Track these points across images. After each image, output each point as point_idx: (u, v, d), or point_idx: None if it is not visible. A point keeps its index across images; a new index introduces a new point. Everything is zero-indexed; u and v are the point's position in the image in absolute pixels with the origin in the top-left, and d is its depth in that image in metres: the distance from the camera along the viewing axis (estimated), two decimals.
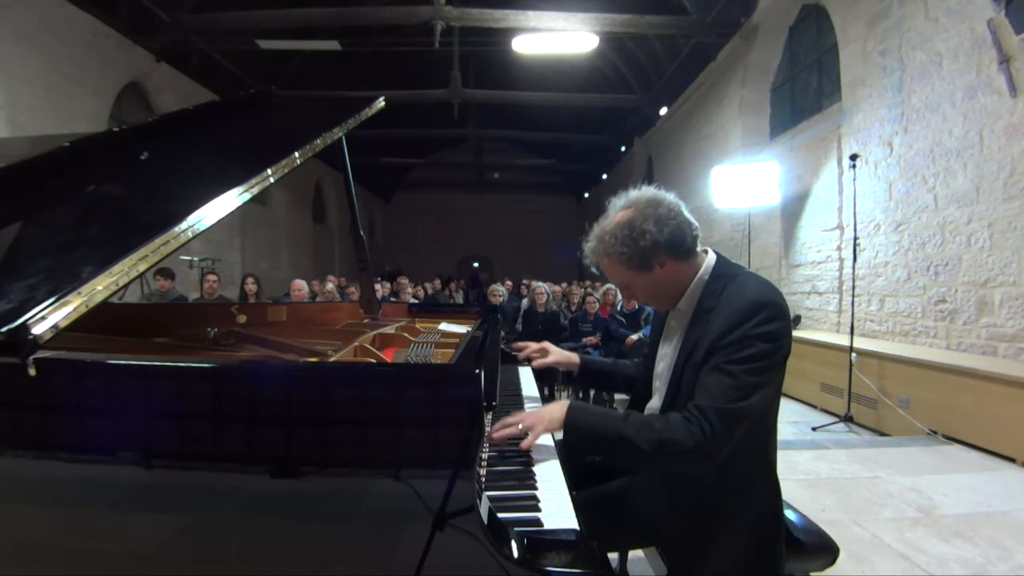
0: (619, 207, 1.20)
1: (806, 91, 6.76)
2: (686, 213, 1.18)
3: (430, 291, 9.07)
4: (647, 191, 1.20)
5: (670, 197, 1.18)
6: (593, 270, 1.28)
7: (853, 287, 4.68)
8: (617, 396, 4.84)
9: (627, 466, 1.29)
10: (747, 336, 1.06)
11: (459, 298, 10.39)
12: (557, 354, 1.57)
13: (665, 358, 1.28)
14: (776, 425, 1.20)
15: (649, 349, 1.42)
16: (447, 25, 7.70)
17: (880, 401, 4.05)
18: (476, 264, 20.23)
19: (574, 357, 1.56)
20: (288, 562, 0.79)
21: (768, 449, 1.18)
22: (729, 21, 7.36)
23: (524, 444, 1.16)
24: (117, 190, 1.24)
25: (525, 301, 6.03)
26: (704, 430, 1.02)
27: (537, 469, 1.14)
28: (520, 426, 1.17)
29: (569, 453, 1.26)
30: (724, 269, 1.20)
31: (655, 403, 1.30)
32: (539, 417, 1.16)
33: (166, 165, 1.36)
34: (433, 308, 2.74)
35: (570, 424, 1.14)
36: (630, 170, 13.11)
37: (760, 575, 1.13)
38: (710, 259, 1.22)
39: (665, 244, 1.14)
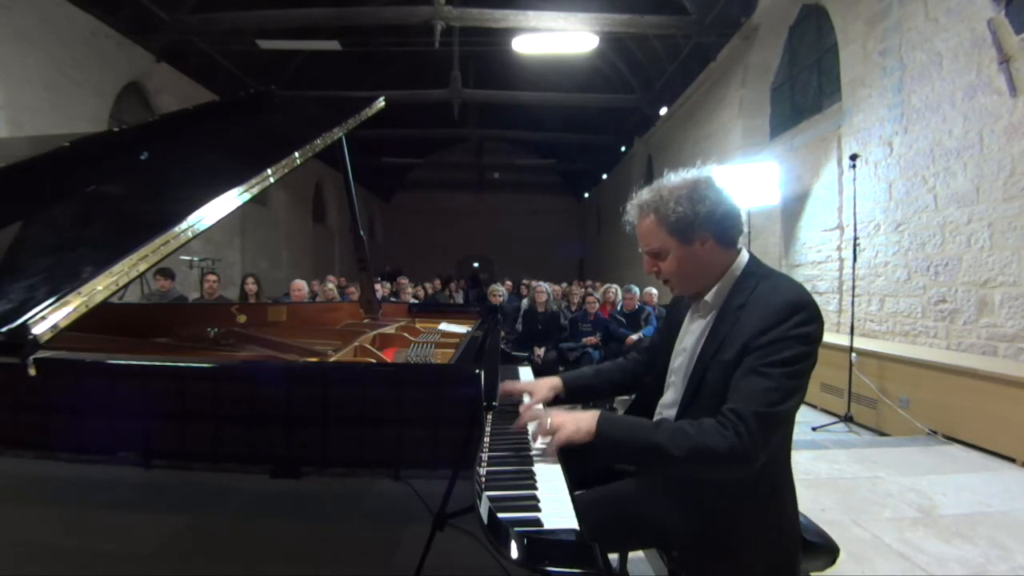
0: (679, 176, 1.18)
1: (806, 91, 6.76)
2: (739, 207, 1.19)
3: (430, 291, 9.07)
4: (708, 171, 1.20)
5: None
6: (627, 228, 1.25)
7: (853, 287, 4.68)
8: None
9: (660, 474, 1.23)
10: (785, 337, 1.03)
11: (459, 298, 10.37)
12: (539, 393, 1.43)
13: (684, 353, 1.24)
14: (793, 431, 1.19)
15: (659, 343, 1.39)
16: (447, 25, 7.70)
17: (880, 401, 4.05)
18: (476, 264, 20.23)
19: (555, 382, 1.46)
20: (288, 562, 0.79)
21: (789, 455, 1.17)
22: (729, 21, 7.36)
23: (548, 450, 1.15)
24: (117, 190, 1.24)
25: (525, 301, 6.03)
26: (740, 433, 0.98)
27: (537, 469, 1.14)
28: (549, 423, 1.15)
29: (600, 461, 1.24)
30: (756, 267, 1.19)
31: (669, 398, 1.27)
32: (568, 421, 1.13)
33: (166, 165, 1.36)
34: (433, 308, 2.73)
35: (601, 434, 1.10)
36: (630, 170, 13.11)
37: None
38: (743, 256, 1.21)
39: (718, 220, 1.14)
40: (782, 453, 1.15)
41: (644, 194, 1.20)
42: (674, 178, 1.19)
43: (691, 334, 1.24)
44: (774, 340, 1.03)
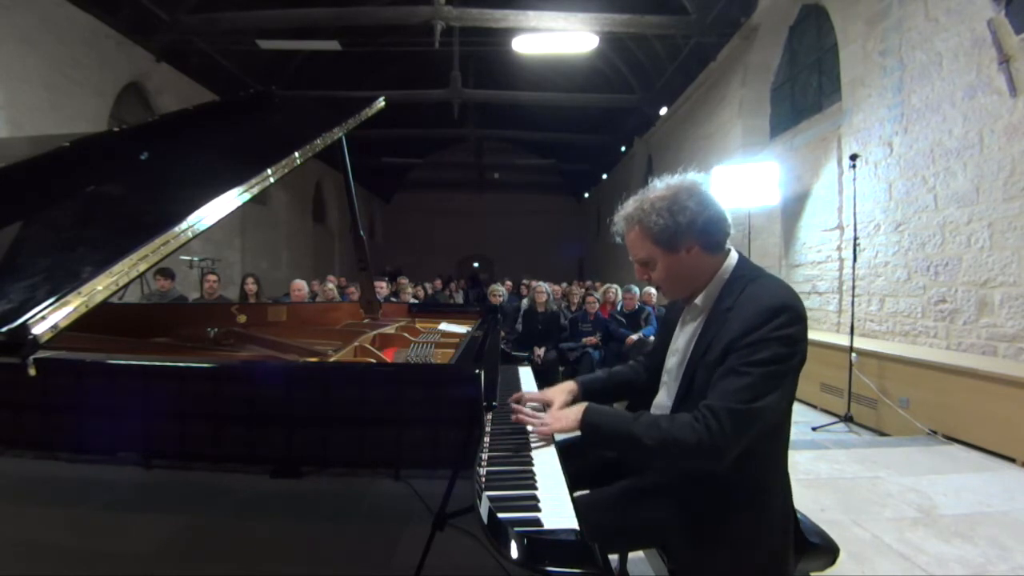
0: (663, 184, 1.20)
1: (806, 91, 6.76)
2: (725, 210, 1.19)
3: (430, 291, 9.07)
4: (693, 176, 1.20)
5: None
6: (617, 239, 1.28)
7: (853, 287, 4.68)
8: None
9: (637, 462, 1.30)
10: (766, 338, 1.05)
11: (459, 298, 10.37)
12: (557, 401, 1.40)
13: (677, 354, 1.27)
14: (789, 433, 1.20)
15: (658, 344, 1.41)
16: (447, 25, 7.70)
17: (880, 401, 4.05)
18: (476, 264, 20.22)
19: (571, 386, 1.45)
20: (288, 562, 0.79)
21: (782, 457, 1.18)
22: (729, 21, 7.36)
23: (541, 430, 1.27)
24: (117, 190, 1.24)
25: (525, 301, 6.03)
26: (711, 428, 1.02)
27: (537, 469, 1.14)
28: (545, 417, 1.27)
29: (586, 448, 1.32)
30: (745, 270, 1.20)
31: (662, 399, 1.29)
32: (560, 415, 1.26)
33: (166, 165, 1.36)
34: (433, 308, 2.74)
35: (586, 422, 1.20)
36: (630, 170, 13.10)
37: None
38: (732, 258, 1.22)
39: (700, 227, 1.15)
40: (772, 453, 1.16)
41: (629, 206, 1.23)
42: (659, 185, 1.20)
43: (683, 335, 1.27)
44: (755, 341, 1.06)
